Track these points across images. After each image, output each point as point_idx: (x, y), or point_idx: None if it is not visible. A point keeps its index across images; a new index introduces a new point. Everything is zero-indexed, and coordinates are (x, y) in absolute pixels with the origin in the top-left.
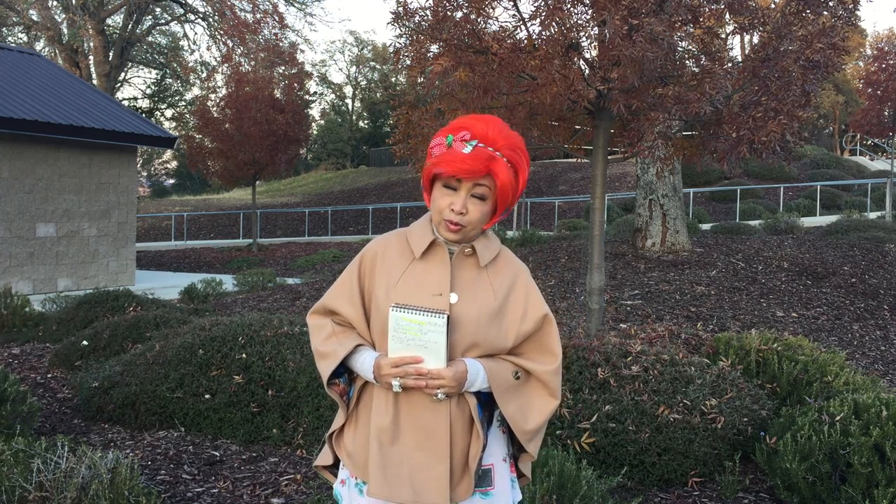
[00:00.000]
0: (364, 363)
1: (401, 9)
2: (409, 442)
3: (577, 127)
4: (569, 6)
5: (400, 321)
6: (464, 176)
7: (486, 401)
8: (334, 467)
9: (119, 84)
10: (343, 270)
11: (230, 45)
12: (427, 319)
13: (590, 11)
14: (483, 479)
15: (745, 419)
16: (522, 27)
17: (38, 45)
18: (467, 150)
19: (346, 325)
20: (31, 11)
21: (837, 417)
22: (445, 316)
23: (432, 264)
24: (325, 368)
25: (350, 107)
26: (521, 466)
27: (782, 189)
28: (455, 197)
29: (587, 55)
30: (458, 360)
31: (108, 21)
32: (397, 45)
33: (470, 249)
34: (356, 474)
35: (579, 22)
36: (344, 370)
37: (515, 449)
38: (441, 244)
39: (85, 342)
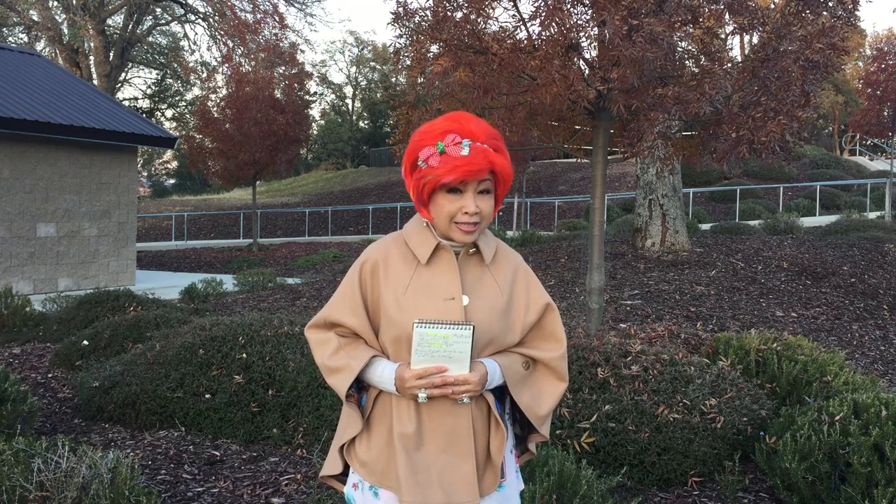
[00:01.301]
0: (383, 375)
1: (401, 9)
2: (434, 445)
3: (577, 127)
4: (569, 6)
5: (425, 336)
6: (472, 178)
7: (499, 394)
8: (341, 475)
9: (119, 84)
10: (342, 278)
11: (230, 45)
12: (453, 332)
13: (590, 12)
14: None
15: (745, 419)
16: (522, 27)
17: (39, 46)
18: (465, 151)
19: (351, 335)
20: (31, 12)
21: (837, 417)
22: (471, 327)
23: (439, 268)
24: (341, 383)
25: (350, 107)
26: (530, 445)
27: (782, 189)
28: (463, 199)
29: (587, 55)
30: (476, 362)
31: (109, 21)
32: (397, 45)
33: (474, 249)
34: (371, 481)
35: (579, 22)
36: (353, 381)
37: (519, 428)
38: (446, 247)
39: (85, 342)
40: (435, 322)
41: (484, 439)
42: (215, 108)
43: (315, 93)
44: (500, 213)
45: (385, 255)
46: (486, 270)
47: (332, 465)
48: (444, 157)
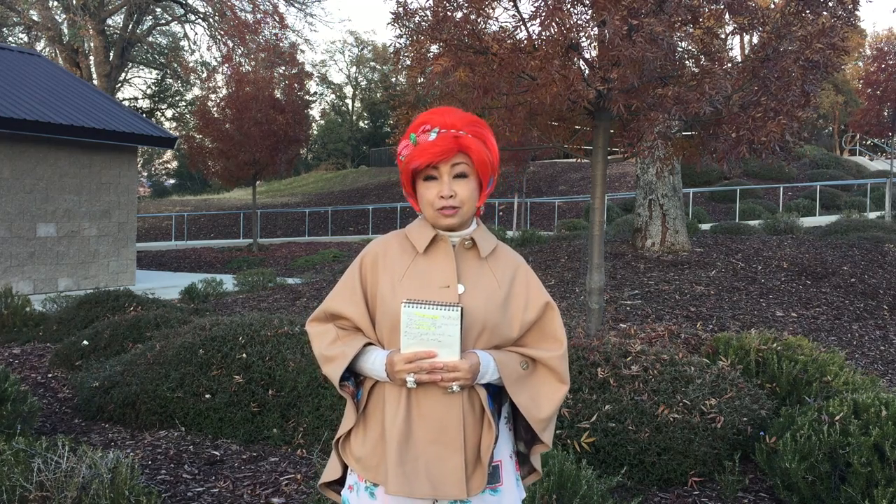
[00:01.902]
0: (375, 362)
1: (401, 9)
2: (423, 436)
3: (577, 127)
4: (569, 6)
5: (413, 317)
6: (438, 159)
7: (494, 395)
8: (338, 483)
9: (119, 84)
10: (343, 273)
11: (230, 45)
12: (441, 313)
13: (590, 12)
14: (492, 475)
15: (745, 419)
16: (522, 27)
17: (39, 46)
18: (432, 137)
19: (351, 328)
20: (31, 12)
21: (837, 417)
22: (460, 308)
23: (436, 258)
24: (334, 371)
25: (350, 107)
26: (532, 460)
27: (782, 189)
28: (439, 184)
29: (587, 55)
30: (469, 351)
31: (109, 21)
32: (397, 45)
33: (470, 242)
34: (366, 477)
35: (579, 22)
36: (350, 374)
37: (523, 446)
38: (444, 238)
39: (85, 342)
40: (423, 302)
41: (475, 437)
42: (215, 108)
43: (315, 93)
44: (500, 213)
45: (385, 248)
46: (485, 264)
47: (331, 470)
48: (416, 147)
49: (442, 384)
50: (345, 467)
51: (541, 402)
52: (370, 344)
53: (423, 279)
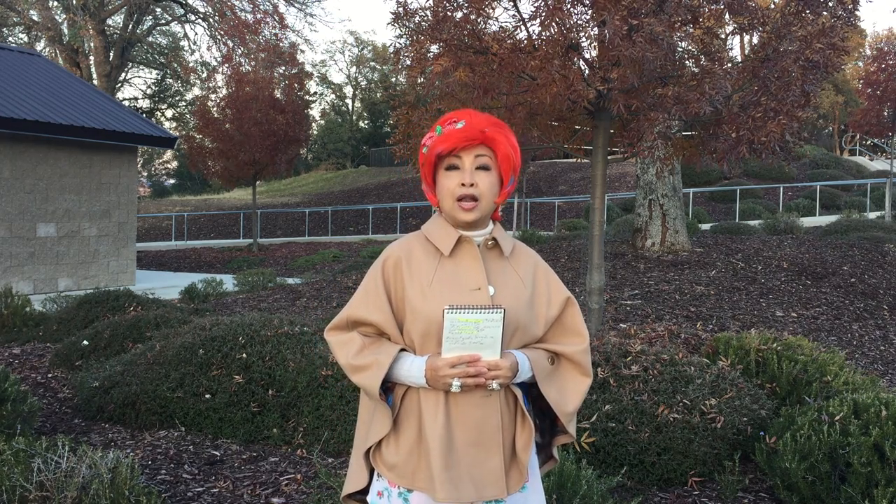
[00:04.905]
0: (412, 369)
1: (401, 9)
2: (464, 440)
3: (577, 127)
4: (569, 6)
5: (456, 322)
6: (464, 144)
7: (525, 390)
8: (364, 491)
9: (119, 84)
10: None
11: (230, 45)
12: (484, 316)
13: (590, 12)
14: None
15: (745, 419)
16: (522, 27)
17: (39, 46)
18: (459, 126)
19: (375, 335)
20: (31, 12)
21: (837, 417)
22: (502, 310)
23: (463, 260)
24: (371, 380)
25: (350, 107)
26: (553, 451)
27: (782, 189)
28: (461, 173)
29: (587, 55)
30: (506, 351)
31: (109, 21)
32: (397, 45)
33: (493, 241)
34: (401, 484)
35: (579, 22)
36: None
37: (538, 436)
38: (468, 239)
39: (85, 342)
40: (465, 307)
41: (510, 435)
42: (215, 108)
43: (315, 93)
44: (500, 213)
45: (407, 250)
46: (507, 263)
47: (356, 479)
48: (441, 135)
49: (485, 382)
50: (370, 476)
51: (568, 396)
52: (403, 350)
53: (452, 282)
